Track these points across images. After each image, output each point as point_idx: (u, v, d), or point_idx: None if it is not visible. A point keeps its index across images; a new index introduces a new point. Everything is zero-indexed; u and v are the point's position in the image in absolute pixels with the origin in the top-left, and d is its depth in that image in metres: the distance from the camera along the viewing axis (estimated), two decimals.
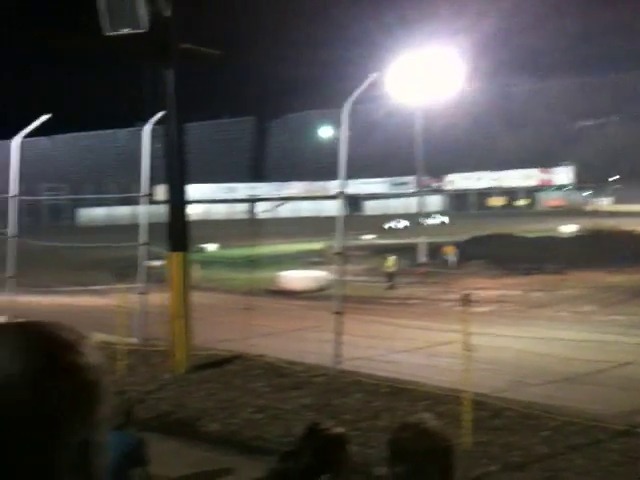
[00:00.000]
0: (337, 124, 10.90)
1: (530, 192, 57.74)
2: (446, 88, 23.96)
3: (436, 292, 18.25)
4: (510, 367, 8.42)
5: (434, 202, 46.46)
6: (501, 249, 23.91)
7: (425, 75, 23.06)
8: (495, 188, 56.90)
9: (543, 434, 6.21)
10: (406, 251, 26.19)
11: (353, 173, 8.81)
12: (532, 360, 8.57)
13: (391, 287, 19.84)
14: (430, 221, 31.26)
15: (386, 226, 39.81)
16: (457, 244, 25.75)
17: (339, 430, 2.52)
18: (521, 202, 57.69)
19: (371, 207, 46.17)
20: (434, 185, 48.36)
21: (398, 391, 7.50)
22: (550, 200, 56.34)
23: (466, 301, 6.12)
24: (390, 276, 20.60)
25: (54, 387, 0.75)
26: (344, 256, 8.61)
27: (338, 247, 8.47)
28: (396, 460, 2.36)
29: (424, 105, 24.16)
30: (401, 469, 2.33)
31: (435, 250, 25.81)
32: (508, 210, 52.43)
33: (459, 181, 56.35)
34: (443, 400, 7.16)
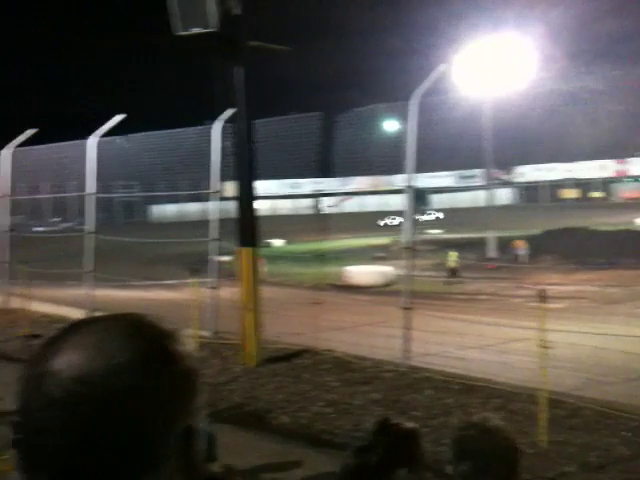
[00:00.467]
0: (403, 117, 10.78)
1: (605, 183, 55.53)
2: (517, 77, 23.30)
3: (506, 287, 17.81)
4: (587, 365, 8.14)
5: (504, 195, 45.37)
6: (575, 243, 23.09)
7: (495, 64, 22.48)
8: (568, 180, 54.98)
9: (622, 434, 5.98)
10: (475, 245, 25.70)
11: (419, 166, 8.70)
12: (609, 358, 8.26)
13: (453, 282, 19.55)
14: (425, 217, 29.83)
15: (381, 223, 38.47)
16: (528, 238, 25.05)
17: (412, 425, 2.51)
18: (596, 194, 55.57)
19: (437, 201, 45.48)
20: (504, 177, 47.11)
21: (469, 388, 7.37)
22: (626, 192, 54.05)
23: (542, 297, 5.95)
24: (452, 271, 20.29)
25: (162, 374, 0.77)
26: (412, 251, 8.52)
27: (406, 241, 8.39)
28: (460, 459, 2.35)
29: (493, 95, 23.58)
30: (465, 468, 2.31)
31: (505, 244, 25.19)
32: (582, 202, 50.61)
33: (530, 173, 54.75)
34: (516, 398, 7.00)
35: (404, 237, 8.54)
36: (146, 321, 0.81)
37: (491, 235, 25.77)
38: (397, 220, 35.95)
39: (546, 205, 48.44)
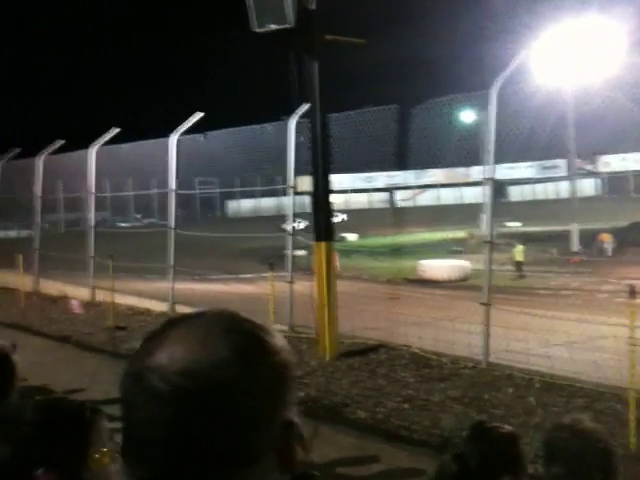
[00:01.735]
0: (480, 107, 10.50)
1: None
2: (602, 63, 22.26)
3: (591, 282, 17.11)
4: None
5: (587, 186, 43.57)
6: None
7: (578, 49, 21.56)
8: None
9: None
10: (557, 239, 24.83)
11: (498, 157, 8.45)
12: None
13: (519, 277, 18.98)
14: (337, 220, 27.14)
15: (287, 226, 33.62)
16: (614, 230, 23.96)
17: (509, 429, 2.41)
18: None
19: (516, 193, 44.16)
20: (588, 168, 45.15)
21: (552, 387, 7.12)
22: None
23: (631, 292, 5.67)
24: (518, 265, 19.68)
25: (261, 368, 0.79)
26: (492, 245, 8.30)
27: (487, 235, 8.18)
28: (552, 461, 2.26)
29: (576, 82, 22.65)
30: (557, 470, 2.23)
31: (589, 237, 24.20)
32: None
33: (616, 163, 52.28)
34: (602, 398, 6.72)
35: (483, 230, 8.33)
36: (242, 317, 0.83)
37: (575, 228, 24.81)
38: (303, 223, 33.38)
39: (633, 196, 46.16)
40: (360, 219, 32.47)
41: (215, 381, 0.76)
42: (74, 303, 12.81)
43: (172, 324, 0.83)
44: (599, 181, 51.81)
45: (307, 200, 11.92)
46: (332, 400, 7.32)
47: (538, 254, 23.10)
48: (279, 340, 0.83)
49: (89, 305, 13.27)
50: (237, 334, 0.80)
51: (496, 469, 2.10)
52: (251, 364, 0.78)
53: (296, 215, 11.08)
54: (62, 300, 13.95)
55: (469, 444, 2.17)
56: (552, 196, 41.83)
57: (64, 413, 1.67)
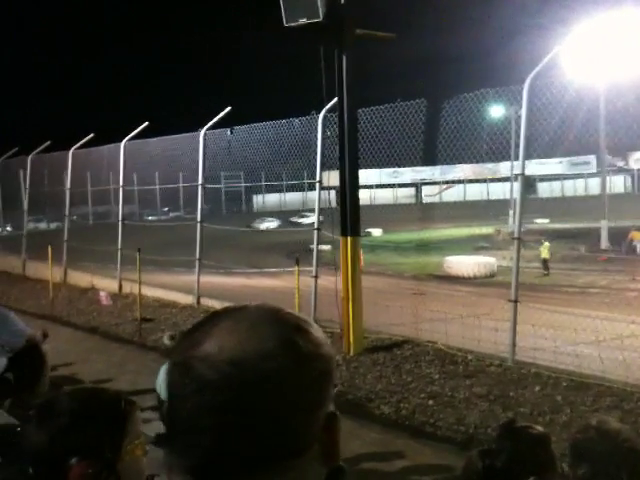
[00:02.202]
0: (510, 102, 10.37)
1: None
2: (635, 58, 21.81)
3: (621, 280, 16.82)
4: None
5: (618, 183, 42.83)
6: None
7: (611, 44, 21.14)
8: None
9: None
10: (586, 236, 24.47)
11: (527, 153, 8.33)
12: None
13: (544, 274, 18.76)
14: (304, 220, 25.26)
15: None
16: None
17: (540, 430, 2.40)
18: None
19: (545, 189, 43.48)
20: (619, 164, 44.30)
21: (580, 385, 7.03)
22: None
23: None
24: (544, 263, 19.43)
25: (306, 360, 0.80)
26: (521, 241, 8.20)
27: (515, 231, 8.08)
28: (578, 462, 2.25)
29: (608, 78, 22.24)
30: (584, 471, 2.22)
31: (618, 235, 23.80)
32: None
33: None
34: (631, 397, 6.61)
35: (511, 227, 8.24)
36: (285, 310, 0.85)
37: (604, 225, 24.41)
38: (266, 224, 31.20)
39: None
40: (385, 214, 32.32)
41: (264, 371, 0.77)
42: (102, 294, 12.98)
43: (217, 316, 0.84)
44: (629, 178, 50.86)
45: (332, 195, 11.91)
46: (356, 395, 7.32)
47: (566, 251, 22.80)
48: (321, 333, 0.85)
49: (116, 297, 13.44)
50: (283, 326, 0.81)
51: (522, 469, 2.09)
52: (298, 355, 0.79)
53: (322, 210, 11.04)
54: (90, 291, 14.15)
55: (498, 442, 2.16)
56: (581, 193, 41.20)
57: (101, 403, 1.69)
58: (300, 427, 0.79)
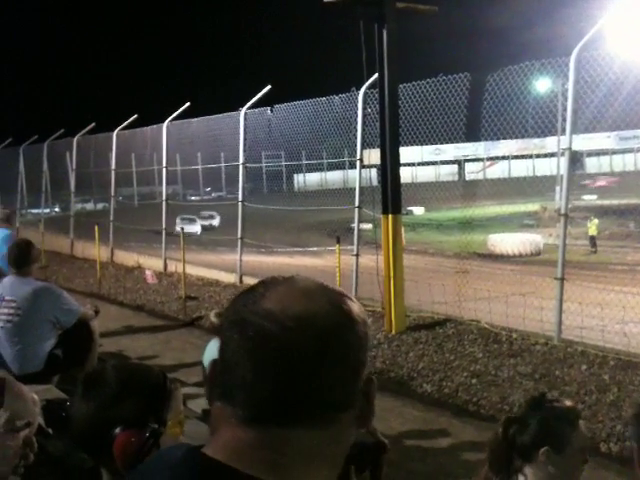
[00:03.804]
0: (556, 75, 10.06)
1: None
2: None
3: None
4: None
5: None
6: None
7: None
8: None
9: None
10: (636, 213, 23.73)
11: (574, 127, 8.08)
12: None
13: (592, 252, 18.33)
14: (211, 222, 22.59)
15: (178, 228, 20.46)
16: None
17: (569, 403, 2.43)
18: None
19: (594, 164, 42.25)
20: None
21: (628, 365, 6.87)
22: None
23: None
24: (592, 240, 18.95)
25: (356, 323, 0.88)
26: (567, 218, 8.00)
27: (562, 208, 7.88)
28: None
29: None
30: None
31: None
32: None
33: None
34: None
35: (558, 204, 8.04)
36: (324, 283, 0.93)
37: None
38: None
39: None
40: (427, 192, 31.93)
41: (323, 327, 0.83)
42: (148, 273, 13.24)
43: (268, 282, 0.90)
44: None
45: (374, 173, 11.82)
46: (398, 373, 7.31)
47: (615, 228, 22.21)
48: (357, 302, 0.93)
49: (161, 275, 13.69)
50: (330, 292, 0.89)
51: (545, 441, 2.14)
52: (348, 317, 0.87)
53: (363, 188, 10.96)
54: (136, 270, 14.45)
55: (526, 413, 2.25)
56: (630, 168, 39.94)
57: (146, 378, 1.75)
58: (348, 383, 0.85)
